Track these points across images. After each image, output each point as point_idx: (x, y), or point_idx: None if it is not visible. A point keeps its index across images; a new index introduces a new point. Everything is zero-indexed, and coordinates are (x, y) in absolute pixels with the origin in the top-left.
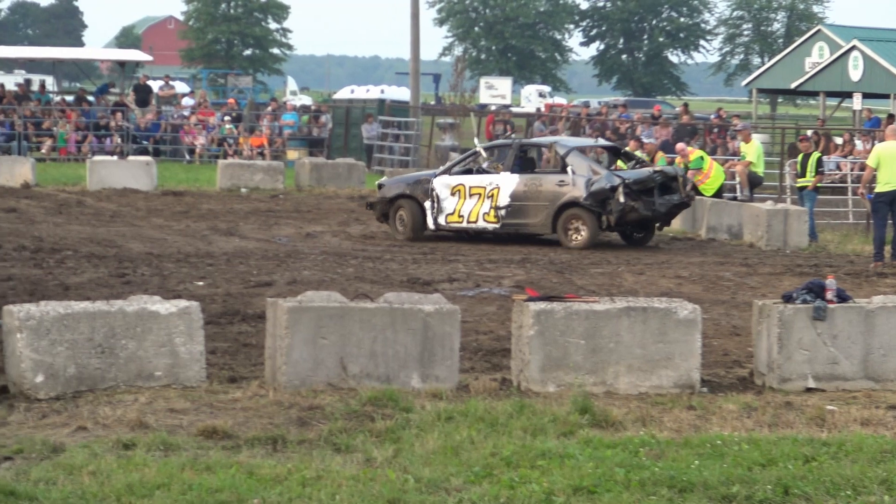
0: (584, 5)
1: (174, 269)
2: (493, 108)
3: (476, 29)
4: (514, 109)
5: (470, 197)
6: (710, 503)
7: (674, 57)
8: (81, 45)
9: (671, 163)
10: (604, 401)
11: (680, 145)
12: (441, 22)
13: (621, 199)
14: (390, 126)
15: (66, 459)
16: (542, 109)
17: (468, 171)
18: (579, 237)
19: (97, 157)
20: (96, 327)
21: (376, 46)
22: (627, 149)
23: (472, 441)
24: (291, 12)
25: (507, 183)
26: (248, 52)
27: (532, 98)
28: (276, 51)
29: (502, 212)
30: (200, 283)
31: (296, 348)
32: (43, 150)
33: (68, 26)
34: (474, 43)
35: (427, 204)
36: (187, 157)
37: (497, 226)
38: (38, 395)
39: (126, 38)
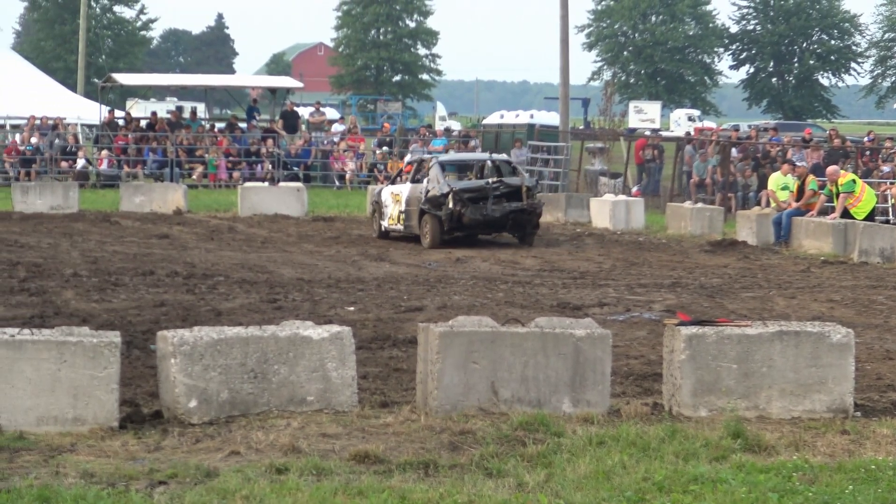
0: (734, 28)
1: (325, 294)
2: (646, 133)
3: (625, 53)
4: (664, 133)
5: (395, 203)
6: None
7: (824, 80)
8: (232, 72)
9: (822, 186)
10: (756, 425)
11: (831, 168)
12: (590, 47)
13: (450, 205)
14: (539, 151)
15: (219, 484)
16: (692, 133)
17: (417, 182)
18: (427, 238)
19: (248, 184)
20: (249, 352)
21: (525, 72)
22: (777, 173)
23: (623, 466)
24: (441, 38)
25: (405, 191)
26: (397, 77)
27: (681, 122)
28: (425, 76)
29: (403, 216)
30: (351, 309)
31: (447, 373)
32: (194, 177)
33: (219, 53)
34: (623, 67)
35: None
36: (337, 182)
37: (402, 228)
38: (192, 420)
39: (276, 64)
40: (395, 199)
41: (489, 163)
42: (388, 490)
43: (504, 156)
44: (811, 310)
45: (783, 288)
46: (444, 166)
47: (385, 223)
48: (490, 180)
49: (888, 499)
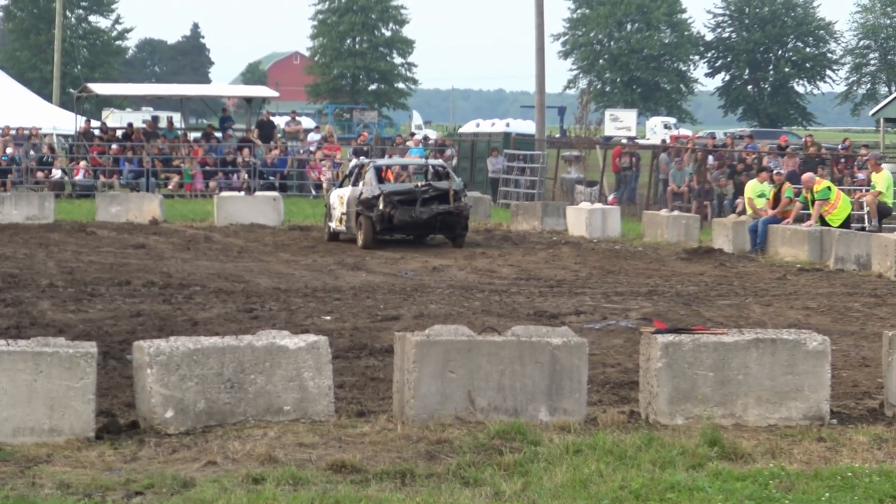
0: (709, 36)
1: (302, 303)
2: (622, 141)
3: (601, 61)
4: (640, 141)
5: (340, 206)
6: None
7: (800, 87)
8: (208, 81)
9: (798, 193)
10: (733, 433)
11: (807, 175)
12: (566, 55)
13: (380, 207)
14: (515, 159)
15: (196, 494)
16: (668, 141)
17: (356, 185)
18: (360, 238)
19: (224, 193)
20: (225, 362)
21: (501, 80)
22: (754, 180)
23: (600, 474)
24: (416, 47)
25: (346, 194)
26: (373, 86)
27: (657, 130)
28: (401, 85)
29: (345, 217)
30: (328, 318)
31: (424, 382)
32: (170, 187)
33: (195, 63)
34: (599, 75)
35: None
36: (314, 192)
37: (345, 229)
38: (168, 430)
39: (252, 74)
40: (340, 201)
41: (430, 167)
42: (364, 499)
43: (440, 161)
44: (787, 317)
45: (759, 295)
46: (378, 170)
47: (332, 225)
48: (419, 184)
49: None
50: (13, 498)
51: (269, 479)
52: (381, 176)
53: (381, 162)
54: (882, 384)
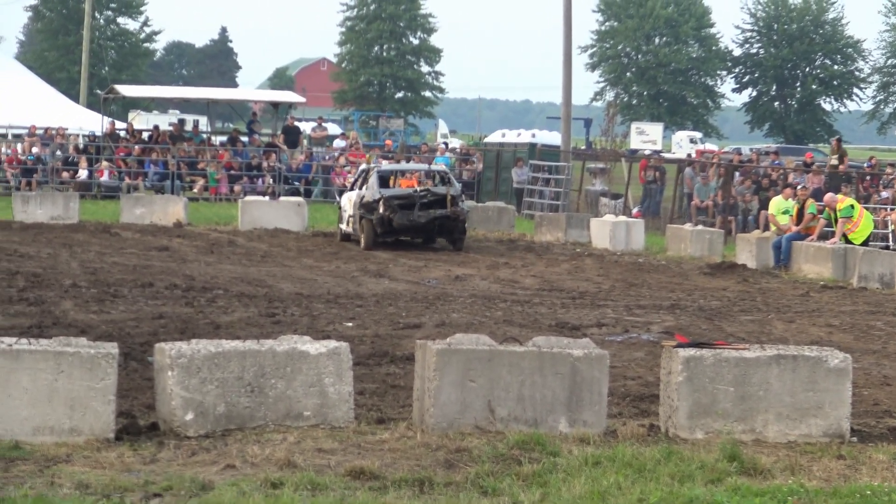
0: (737, 52)
1: (324, 309)
2: (645, 152)
3: (628, 74)
4: (665, 155)
5: (350, 208)
6: None
7: (827, 105)
8: (235, 85)
9: (822, 210)
10: (752, 448)
11: (828, 196)
12: (593, 67)
13: (381, 210)
14: (540, 170)
15: (214, 497)
16: (693, 155)
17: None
18: (362, 240)
19: (249, 198)
20: (246, 366)
21: (528, 91)
22: (778, 196)
23: (619, 487)
24: (444, 55)
25: (354, 197)
26: (399, 94)
27: (683, 144)
28: (427, 94)
29: (352, 219)
30: (350, 324)
31: (444, 390)
32: (195, 190)
33: (222, 67)
34: (626, 88)
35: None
36: (338, 198)
37: (352, 230)
38: (188, 433)
39: (279, 79)
40: (350, 204)
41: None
42: None
43: (442, 166)
44: (809, 334)
45: (782, 312)
46: (383, 175)
47: (344, 226)
48: (418, 189)
49: None
50: (32, 497)
51: (288, 483)
52: (385, 181)
53: (384, 167)
54: None
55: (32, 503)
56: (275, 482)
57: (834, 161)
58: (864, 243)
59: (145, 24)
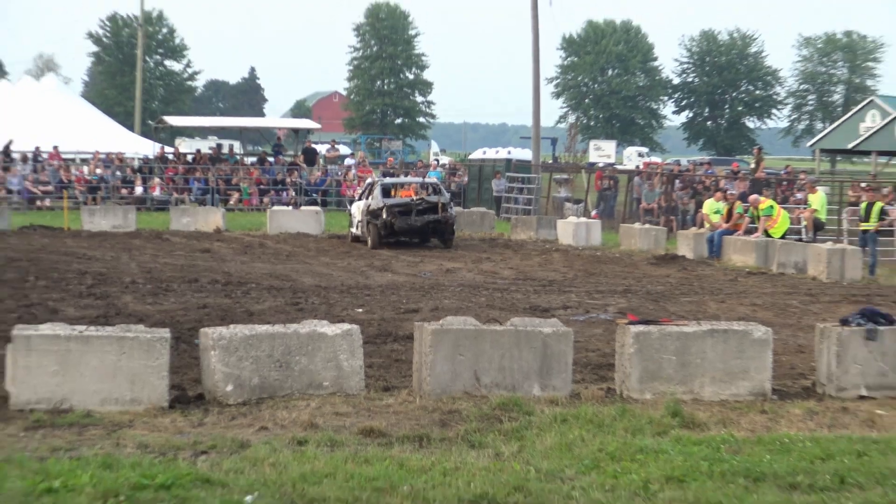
0: (676, 80)
1: (338, 298)
2: (600, 165)
3: (586, 101)
4: (618, 167)
5: (358, 214)
6: (778, 490)
7: (750, 123)
8: (262, 115)
9: (747, 210)
10: (691, 406)
11: (753, 196)
12: (558, 95)
13: (384, 216)
14: (515, 181)
15: (250, 453)
16: (641, 167)
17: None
18: (369, 241)
19: (275, 207)
20: (275, 346)
21: (504, 115)
22: (711, 199)
23: (582, 439)
24: (435, 87)
25: (362, 205)
26: (398, 120)
27: (632, 157)
28: (421, 119)
29: (360, 224)
30: (360, 310)
31: (438, 363)
32: (231, 202)
33: (252, 100)
34: (585, 112)
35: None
36: (348, 207)
37: (360, 233)
38: (228, 402)
39: (299, 109)
40: (358, 211)
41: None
42: (389, 458)
43: (434, 179)
44: (737, 312)
45: (714, 294)
46: (386, 187)
47: (354, 230)
48: (414, 198)
49: (798, 466)
50: (101, 455)
51: (311, 441)
52: (387, 192)
53: (387, 180)
54: (814, 367)
55: (102, 461)
56: (300, 440)
57: (753, 165)
58: (783, 237)
59: (188, 65)
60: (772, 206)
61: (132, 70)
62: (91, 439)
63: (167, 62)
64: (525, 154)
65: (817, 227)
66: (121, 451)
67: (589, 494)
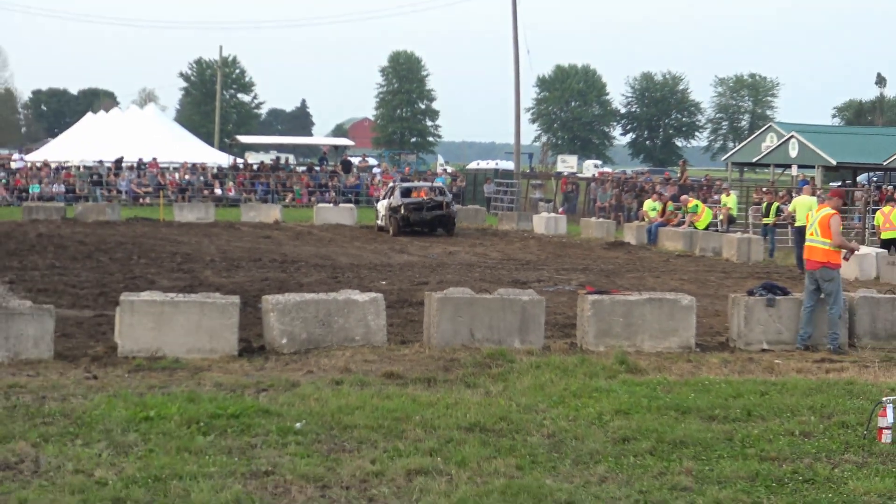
0: (623, 110)
1: (367, 273)
2: (565, 174)
3: (555, 125)
4: (579, 175)
5: (383, 210)
6: (700, 421)
7: (678, 142)
8: (311, 134)
9: (678, 208)
10: (635, 357)
11: (683, 197)
12: (533, 120)
13: (402, 212)
14: (502, 185)
15: (300, 391)
16: (597, 175)
17: (389, 198)
18: (391, 230)
19: (320, 204)
20: (319, 309)
21: (493, 135)
22: (649, 199)
23: (552, 381)
24: (441, 115)
25: (385, 203)
26: (413, 139)
27: (590, 168)
28: (430, 139)
29: (384, 218)
30: (383, 283)
31: (442, 323)
32: (286, 201)
33: (303, 123)
34: (554, 133)
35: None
36: (375, 204)
37: (384, 225)
38: (283, 352)
39: (338, 130)
40: (383, 208)
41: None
42: (405, 395)
43: (440, 184)
44: (670, 285)
45: (651, 271)
46: (404, 189)
47: (379, 222)
48: (425, 198)
49: (716, 402)
50: (186, 392)
51: (346, 382)
52: (405, 193)
53: (404, 184)
54: (728, 327)
55: (187, 396)
56: (338, 381)
57: (679, 174)
58: (706, 228)
59: (254, 98)
60: (697, 205)
61: (213, 101)
62: (178, 380)
63: (239, 95)
64: (509, 165)
65: (730, 221)
66: (201, 389)
67: (557, 423)
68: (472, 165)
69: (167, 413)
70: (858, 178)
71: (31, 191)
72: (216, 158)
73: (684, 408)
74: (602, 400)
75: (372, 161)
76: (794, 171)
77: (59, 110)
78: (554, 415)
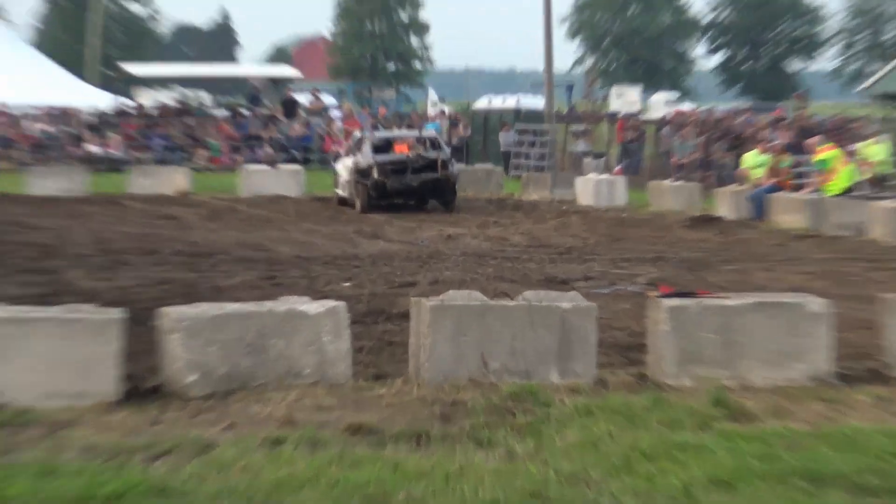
0: (707, 18)
1: (322, 271)
2: (623, 114)
3: (605, 42)
4: (645, 116)
5: (345, 173)
6: (845, 494)
7: (793, 64)
8: (236, 62)
9: (795, 165)
10: (738, 394)
11: (811, 140)
12: (573, 35)
13: (375, 175)
14: (526, 134)
15: (216, 456)
16: (671, 115)
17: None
18: (357, 204)
19: (249, 167)
20: (247, 327)
21: (512, 58)
22: (752, 151)
23: (610, 434)
24: (432, 29)
25: (348, 163)
26: (391, 67)
27: (660, 105)
28: (418, 65)
29: (348, 185)
30: (347, 284)
31: (438, 345)
32: (198, 161)
33: (224, 46)
34: (604, 55)
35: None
36: (333, 164)
37: (346, 195)
38: (192, 394)
39: (277, 55)
40: (345, 170)
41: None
42: (381, 460)
43: (432, 132)
44: (789, 282)
45: (760, 261)
46: (378, 142)
47: (339, 192)
48: (409, 154)
49: (867, 464)
50: (39, 461)
51: (289, 440)
52: (379, 147)
53: (378, 134)
54: (881, 346)
55: (40, 468)
56: (276, 440)
57: (794, 113)
58: (841, 194)
59: (152, 7)
60: (827, 159)
61: (87, 12)
62: (28, 441)
63: (130, 3)
64: (537, 102)
65: (878, 181)
66: (63, 456)
67: (619, 501)
68: (482, 104)
69: (8, 496)
70: None
71: None
72: (92, 99)
73: (820, 475)
74: (690, 464)
75: (329, 100)
76: None
77: None
78: (615, 489)
